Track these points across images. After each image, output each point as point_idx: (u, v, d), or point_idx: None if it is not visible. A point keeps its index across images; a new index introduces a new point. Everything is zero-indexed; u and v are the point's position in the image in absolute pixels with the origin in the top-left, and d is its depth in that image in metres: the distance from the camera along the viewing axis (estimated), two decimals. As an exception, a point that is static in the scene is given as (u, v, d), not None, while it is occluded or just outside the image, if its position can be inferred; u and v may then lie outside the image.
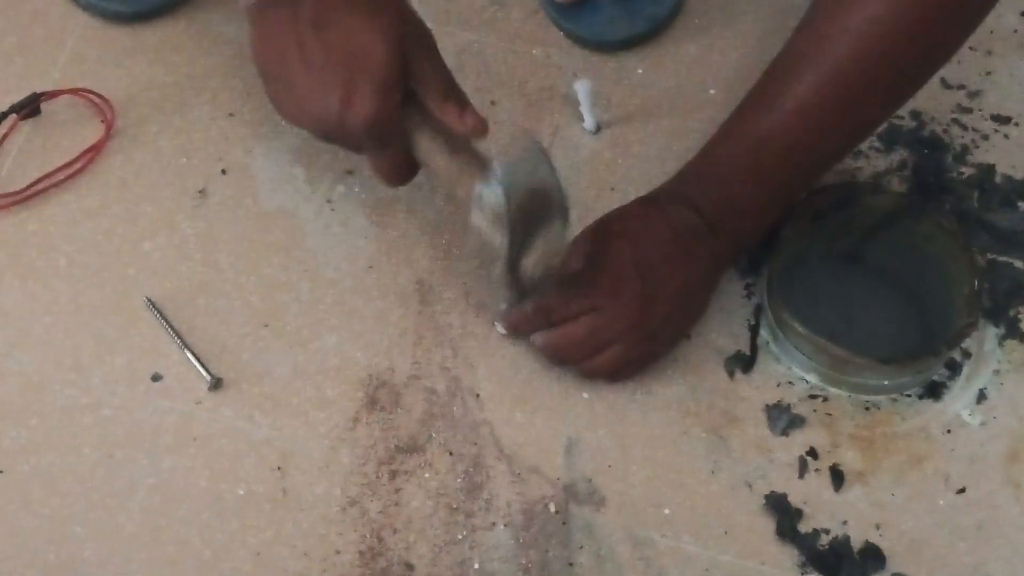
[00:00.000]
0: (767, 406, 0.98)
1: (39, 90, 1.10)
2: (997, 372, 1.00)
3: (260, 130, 1.11)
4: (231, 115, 1.11)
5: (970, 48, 1.14)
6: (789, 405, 0.98)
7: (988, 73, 1.14)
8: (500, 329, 1.01)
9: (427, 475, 0.95)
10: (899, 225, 1.02)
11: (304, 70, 0.85)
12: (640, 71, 1.15)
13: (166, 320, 1.01)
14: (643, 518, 0.94)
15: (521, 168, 0.88)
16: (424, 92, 0.88)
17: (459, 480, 0.95)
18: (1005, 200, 1.07)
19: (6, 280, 1.03)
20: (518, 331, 0.99)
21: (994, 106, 1.12)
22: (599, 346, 0.96)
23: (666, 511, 0.94)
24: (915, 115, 1.11)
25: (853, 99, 0.94)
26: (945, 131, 1.10)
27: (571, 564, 0.92)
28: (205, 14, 1.17)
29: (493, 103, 1.11)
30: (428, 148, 0.90)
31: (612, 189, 1.07)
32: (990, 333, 1.01)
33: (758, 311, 1.02)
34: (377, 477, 0.95)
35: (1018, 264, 1.04)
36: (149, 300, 1.02)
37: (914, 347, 0.99)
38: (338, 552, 0.92)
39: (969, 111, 1.12)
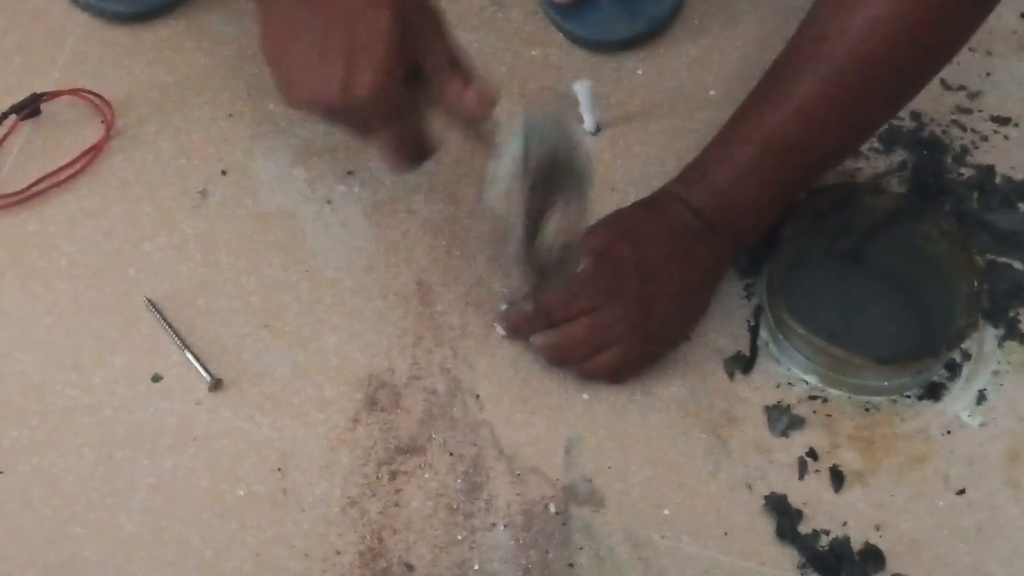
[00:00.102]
0: (767, 407, 0.99)
1: (39, 90, 1.10)
2: (997, 373, 1.00)
3: (260, 130, 1.11)
4: (231, 115, 1.11)
5: (970, 49, 1.14)
6: (789, 406, 0.98)
7: (988, 74, 1.14)
8: (499, 330, 1.01)
9: (427, 476, 0.96)
10: (899, 226, 1.02)
11: (306, 48, 0.84)
12: (640, 72, 1.15)
13: (166, 320, 1.01)
14: (643, 519, 0.94)
15: (545, 125, 0.85)
16: (430, 66, 0.86)
17: (459, 481, 0.95)
18: (1005, 201, 1.07)
19: (6, 280, 1.03)
20: (518, 332, 1.00)
21: (994, 107, 1.12)
22: (599, 347, 0.96)
23: (666, 512, 0.94)
24: (915, 116, 1.11)
25: (853, 100, 0.94)
26: (945, 132, 1.11)
27: (571, 565, 0.92)
28: (205, 14, 1.17)
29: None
30: (442, 123, 0.88)
31: (612, 189, 1.07)
32: (990, 334, 1.01)
33: (758, 312, 1.02)
34: (377, 478, 0.95)
35: (1017, 265, 1.04)
36: (149, 300, 1.02)
37: (914, 348, 0.99)
38: (338, 552, 0.92)
39: (969, 112, 1.12)
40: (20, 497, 0.94)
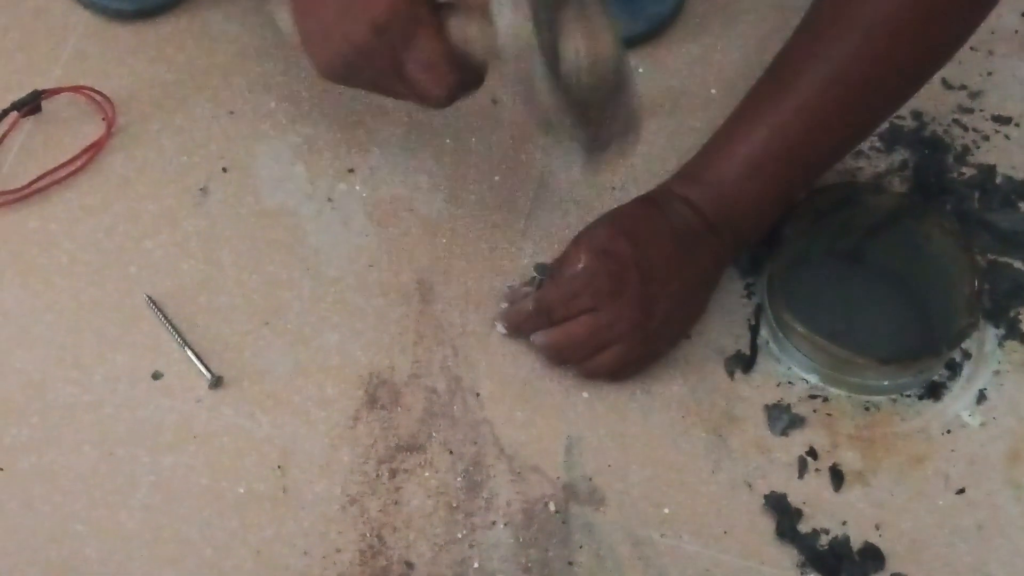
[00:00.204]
0: (767, 406, 0.99)
1: (40, 88, 1.10)
2: (997, 373, 1.00)
3: (261, 128, 1.11)
4: (232, 113, 1.11)
5: (971, 48, 1.14)
6: (789, 405, 0.98)
7: (989, 73, 1.14)
8: (500, 328, 1.01)
9: (427, 474, 0.96)
10: (900, 225, 1.02)
11: (331, 12, 0.84)
12: (641, 70, 1.15)
13: (167, 318, 1.01)
14: (643, 517, 0.94)
15: None
16: None
17: (459, 479, 0.95)
18: (1006, 201, 1.07)
19: (7, 278, 1.03)
20: (518, 330, 1.00)
21: (995, 106, 1.12)
22: (599, 346, 0.96)
23: (666, 510, 0.94)
24: (916, 115, 1.11)
25: (854, 98, 0.94)
26: (946, 131, 1.11)
27: (571, 563, 0.92)
28: (207, 12, 1.16)
29: (494, 102, 1.11)
30: (461, 24, 0.83)
31: (613, 188, 1.08)
32: (990, 334, 1.01)
33: (758, 311, 1.02)
34: (377, 476, 0.95)
35: (1018, 265, 1.04)
36: (150, 298, 1.02)
37: (914, 347, 0.99)
38: (338, 550, 0.93)
39: (970, 111, 1.12)
40: (20, 495, 0.94)
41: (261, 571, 0.92)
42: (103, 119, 1.10)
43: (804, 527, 0.94)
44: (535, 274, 1.03)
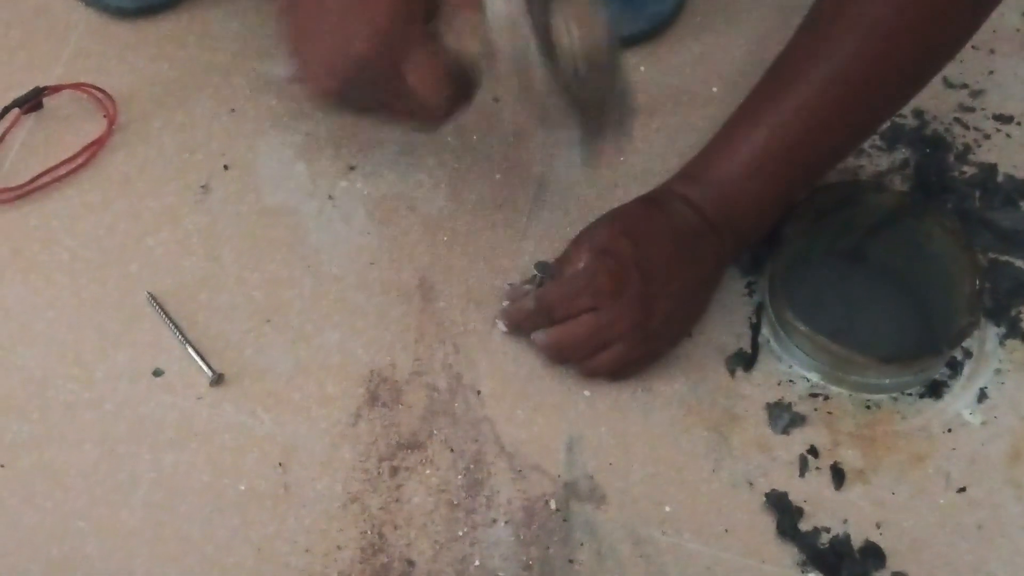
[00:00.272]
0: (768, 404, 0.99)
1: (42, 85, 1.10)
2: (998, 372, 1.00)
3: (263, 126, 1.11)
4: (233, 111, 1.11)
5: (973, 47, 1.14)
6: (790, 403, 0.99)
7: (991, 72, 1.14)
8: (501, 327, 1.01)
9: (428, 472, 0.96)
10: (901, 224, 1.02)
11: (321, 15, 0.84)
12: (643, 69, 1.15)
13: (168, 315, 1.01)
14: (644, 516, 0.94)
15: None
16: None
17: (460, 477, 0.95)
18: (1007, 199, 1.07)
19: (8, 275, 1.03)
20: (519, 328, 1.00)
21: (996, 105, 1.12)
22: (600, 345, 0.96)
23: (667, 509, 0.95)
24: (917, 114, 1.11)
25: (855, 98, 0.94)
26: (947, 130, 1.11)
27: (572, 561, 0.92)
28: (208, 10, 1.17)
29: (496, 100, 1.11)
30: (459, 32, 0.84)
31: (615, 186, 1.07)
32: (991, 333, 1.01)
33: (760, 309, 1.02)
34: (378, 473, 0.95)
35: (1019, 264, 1.04)
36: (151, 295, 1.02)
37: (915, 346, 0.99)
38: (339, 548, 0.93)
39: (971, 110, 1.12)
40: (21, 492, 0.94)
41: (262, 568, 0.92)
42: (104, 116, 1.10)
43: (805, 525, 0.94)
44: (536, 272, 1.03)
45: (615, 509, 0.94)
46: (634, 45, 1.15)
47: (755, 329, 1.02)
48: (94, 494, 0.94)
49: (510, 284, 1.03)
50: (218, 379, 0.98)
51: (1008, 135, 1.11)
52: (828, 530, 0.94)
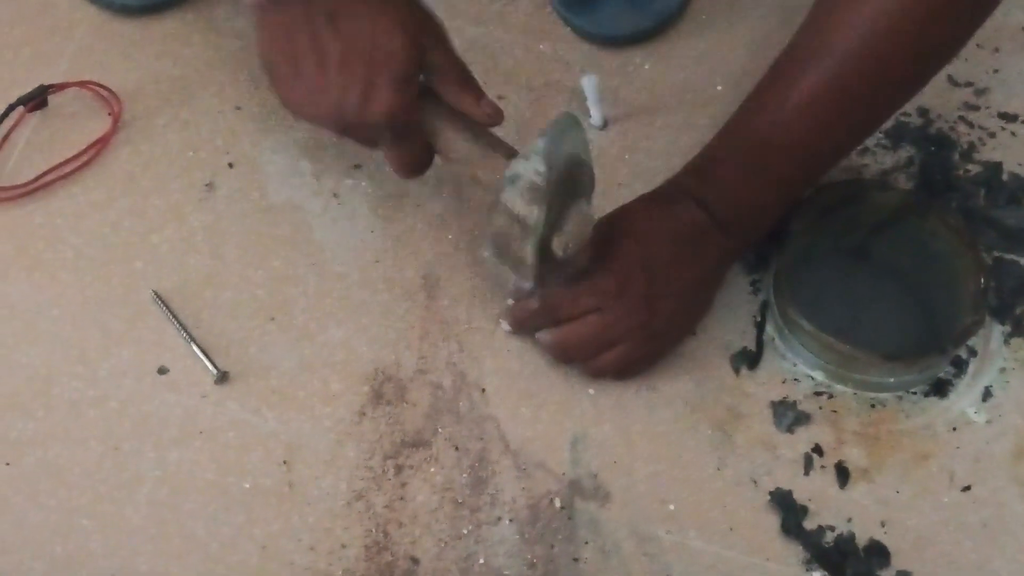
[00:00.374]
0: (773, 403, 0.99)
1: (47, 82, 1.10)
2: (1003, 370, 1.00)
3: (267, 124, 1.11)
4: (238, 108, 1.12)
5: (977, 45, 1.14)
6: (795, 402, 0.98)
7: (995, 71, 1.14)
8: (505, 326, 1.01)
9: (432, 470, 0.96)
10: (905, 222, 1.02)
11: (319, 65, 0.86)
12: (647, 66, 1.15)
13: (173, 313, 1.01)
14: (648, 514, 0.94)
15: (560, 140, 0.87)
16: (440, 82, 0.89)
17: (464, 475, 0.95)
18: (1012, 198, 1.07)
19: (13, 273, 1.03)
20: (523, 327, 1.00)
21: (1001, 104, 1.12)
22: (605, 345, 0.96)
23: (671, 507, 0.95)
24: (922, 112, 1.11)
25: (858, 95, 0.94)
26: (952, 128, 1.10)
27: (576, 559, 0.92)
28: (212, 7, 1.17)
29: (501, 98, 1.11)
30: (449, 136, 0.91)
31: (619, 184, 1.07)
32: (996, 331, 1.01)
33: (764, 308, 1.02)
34: (383, 471, 0.95)
35: (1024, 262, 1.04)
36: (156, 293, 1.02)
37: (920, 344, 0.99)
38: (344, 546, 0.93)
39: (976, 108, 1.12)
40: (26, 489, 0.94)
41: (266, 566, 0.92)
42: (109, 114, 1.10)
43: (809, 524, 0.94)
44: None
45: (619, 507, 0.94)
46: (639, 43, 1.15)
47: (759, 327, 1.02)
48: (98, 492, 0.94)
49: (514, 283, 1.03)
50: (222, 377, 0.98)
51: (1013, 133, 1.10)
52: (832, 528, 0.94)
